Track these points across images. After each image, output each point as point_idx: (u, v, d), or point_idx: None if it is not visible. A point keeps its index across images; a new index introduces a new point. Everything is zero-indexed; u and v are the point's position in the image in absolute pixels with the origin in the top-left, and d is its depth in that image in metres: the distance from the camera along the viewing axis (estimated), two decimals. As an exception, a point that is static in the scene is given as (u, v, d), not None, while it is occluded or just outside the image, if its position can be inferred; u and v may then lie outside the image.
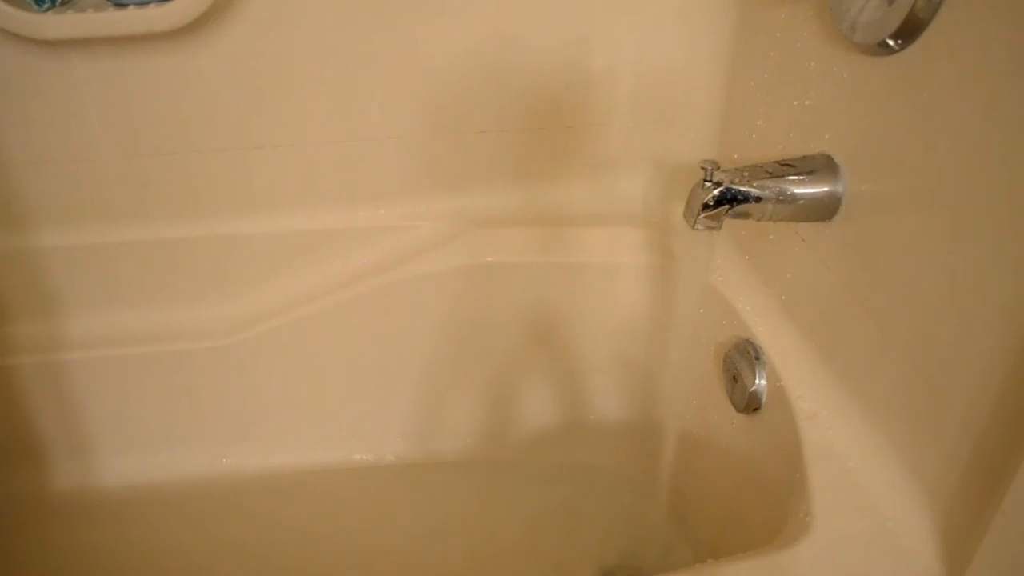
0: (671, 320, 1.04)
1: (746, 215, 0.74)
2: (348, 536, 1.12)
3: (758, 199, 0.72)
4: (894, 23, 0.61)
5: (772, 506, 0.76)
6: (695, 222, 0.74)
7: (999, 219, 0.53)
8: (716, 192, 0.72)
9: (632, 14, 0.98)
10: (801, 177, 0.73)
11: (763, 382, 0.82)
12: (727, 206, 0.72)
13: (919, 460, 0.63)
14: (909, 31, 0.61)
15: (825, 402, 0.75)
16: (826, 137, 0.74)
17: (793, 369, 0.80)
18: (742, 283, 0.92)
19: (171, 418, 1.16)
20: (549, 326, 1.12)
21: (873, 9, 0.64)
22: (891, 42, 0.62)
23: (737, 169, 0.74)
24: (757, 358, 0.83)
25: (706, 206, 0.73)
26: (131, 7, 0.89)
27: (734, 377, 0.86)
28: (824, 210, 0.73)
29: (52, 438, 1.16)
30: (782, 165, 0.74)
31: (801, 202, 0.73)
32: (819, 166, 0.73)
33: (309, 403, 1.18)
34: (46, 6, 0.89)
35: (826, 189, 0.72)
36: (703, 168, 0.73)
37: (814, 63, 0.76)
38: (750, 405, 0.83)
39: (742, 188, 0.72)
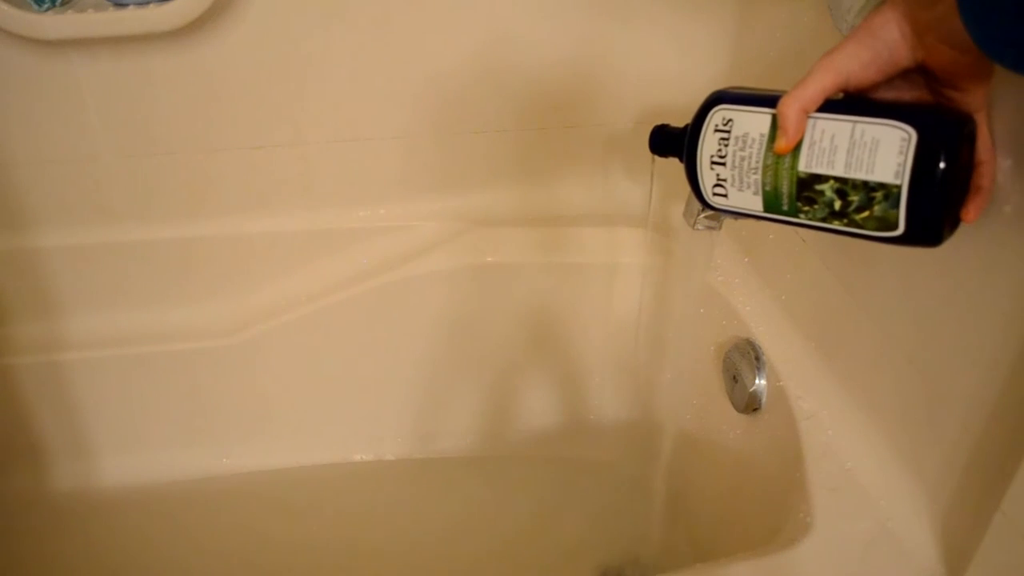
0: (671, 320, 1.04)
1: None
2: (348, 535, 1.12)
3: (758, 199, 0.72)
4: (894, 23, 0.61)
5: (772, 506, 0.76)
6: (695, 222, 0.74)
7: (998, 218, 0.53)
8: (716, 192, 0.72)
9: (632, 14, 0.98)
10: (801, 177, 0.72)
11: (763, 382, 0.82)
12: (727, 206, 0.72)
13: (919, 460, 0.63)
14: (909, 31, 0.60)
15: (825, 402, 0.75)
16: (826, 137, 0.74)
17: (793, 369, 0.80)
18: (742, 283, 0.92)
19: (171, 418, 1.16)
20: (549, 326, 1.12)
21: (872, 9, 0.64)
22: (891, 42, 0.62)
23: (737, 169, 0.74)
24: (757, 358, 0.83)
25: (706, 206, 0.72)
26: (131, 7, 0.89)
27: (734, 377, 0.86)
28: (824, 210, 0.73)
29: (52, 438, 1.16)
30: (782, 165, 0.74)
31: (801, 202, 0.73)
32: (819, 166, 0.73)
33: (309, 403, 1.18)
34: (46, 6, 0.89)
35: (826, 189, 0.72)
36: (703, 168, 0.73)
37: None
38: (750, 405, 0.83)
39: (742, 188, 0.72)
